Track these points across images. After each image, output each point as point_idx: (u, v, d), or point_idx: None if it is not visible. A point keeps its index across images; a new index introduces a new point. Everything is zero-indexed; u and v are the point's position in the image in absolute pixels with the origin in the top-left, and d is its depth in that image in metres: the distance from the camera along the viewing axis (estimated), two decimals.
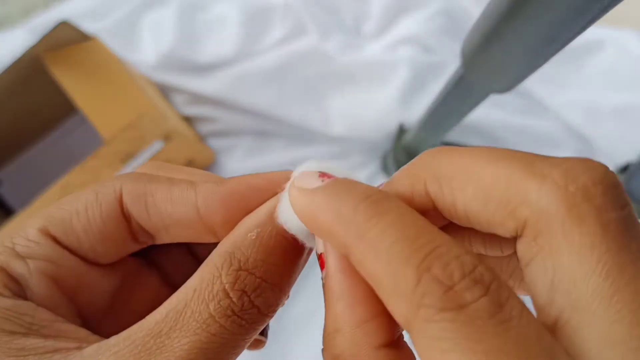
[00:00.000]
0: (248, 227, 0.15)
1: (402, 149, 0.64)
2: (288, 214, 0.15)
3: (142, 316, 0.18)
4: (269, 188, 0.16)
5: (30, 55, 0.56)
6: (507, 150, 0.13)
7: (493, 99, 0.43)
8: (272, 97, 0.69)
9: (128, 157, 0.56)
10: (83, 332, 0.15)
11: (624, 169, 0.64)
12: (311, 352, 0.57)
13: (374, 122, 0.68)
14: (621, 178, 0.63)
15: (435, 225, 0.12)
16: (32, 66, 0.58)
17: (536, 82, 0.72)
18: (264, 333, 0.19)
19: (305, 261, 0.16)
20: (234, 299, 0.14)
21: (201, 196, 0.16)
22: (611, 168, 0.12)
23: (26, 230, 0.16)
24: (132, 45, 0.74)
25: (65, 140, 0.72)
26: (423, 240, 0.11)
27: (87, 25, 0.63)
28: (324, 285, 0.14)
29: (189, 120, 0.72)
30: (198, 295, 0.14)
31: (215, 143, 0.71)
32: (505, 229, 0.13)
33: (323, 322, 0.14)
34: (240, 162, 0.70)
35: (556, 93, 0.73)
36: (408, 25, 0.77)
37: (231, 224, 0.16)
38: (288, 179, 0.16)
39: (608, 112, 0.70)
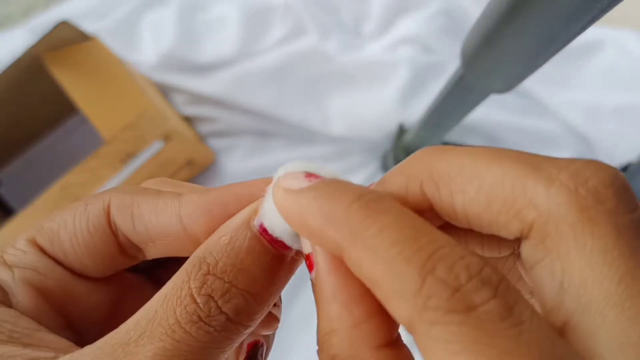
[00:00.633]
0: (222, 232, 0.14)
1: (402, 149, 0.64)
2: (272, 216, 0.14)
3: None
4: (251, 195, 0.15)
5: (30, 55, 0.56)
6: (509, 150, 0.13)
7: (493, 99, 0.43)
8: (272, 97, 0.69)
9: (128, 157, 0.56)
10: (64, 343, 0.15)
11: (624, 169, 0.64)
12: (311, 352, 0.56)
13: (374, 122, 0.68)
14: None
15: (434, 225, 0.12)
16: (32, 66, 0.58)
17: (536, 82, 0.72)
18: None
19: (291, 269, 0.15)
20: (200, 304, 0.13)
21: (184, 206, 0.15)
22: None
23: (17, 240, 0.16)
24: (132, 45, 0.74)
25: (65, 140, 0.72)
26: (424, 241, 0.11)
27: (87, 25, 0.63)
28: (314, 286, 0.14)
29: (189, 120, 0.72)
30: (167, 301, 0.13)
31: (215, 143, 0.71)
32: (508, 231, 0.12)
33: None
34: (240, 162, 0.70)
35: (556, 93, 0.73)
36: (408, 25, 0.77)
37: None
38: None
39: (608, 112, 0.70)
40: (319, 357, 0.13)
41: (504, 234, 0.12)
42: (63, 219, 0.16)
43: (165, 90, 0.72)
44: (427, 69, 0.72)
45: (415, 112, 0.67)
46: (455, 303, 0.10)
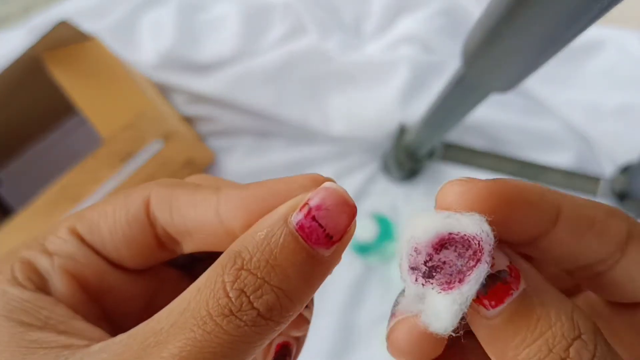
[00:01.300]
0: (259, 227, 0.14)
1: (402, 148, 0.64)
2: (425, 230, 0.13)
3: None
4: (290, 191, 0.15)
5: (29, 55, 0.56)
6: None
7: (493, 99, 0.43)
8: (272, 97, 0.69)
9: (127, 156, 0.56)
10: (98, 332, 0.15)
11: (625, 169, 0.64)
12: (311, 351, 0.57)
13: (374, 122, 0.68)
14: (622, 178, 0.63)
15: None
16: (32, 66, 0.57)
17: (537, 82, 0.72)
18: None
19: (326, 270, 0.15)
20: (233, 298, 0.13)
21: (222, 200, 0.15)
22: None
23: (59, 228, 0.16)
24: (131, 45, 0.73)
25: (65, 140, 0.72)
26: None
27: (87, 25, 0.63)
28: (515, 305, 0.13)
29: (188, 120, 0.72)
30: (200, 293, 0.13)
31: (215, 143, 0.71)
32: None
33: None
34: (240, 162, 0.70)
35: (557, 93, 0.72)
36: (408, 24, 0.77)
37: None
38: (313, 181, 0.15)
39: (609, 112, 0.70)
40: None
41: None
42: (103, 209, 0.16)
43: (165, 90, 0.72)
44: (427, 68, 0.72)
45: (416, 112, 0.67)
46: None
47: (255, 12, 0.77)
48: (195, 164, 0.66)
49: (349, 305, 0.60)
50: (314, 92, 0.71)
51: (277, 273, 0.14)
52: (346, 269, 0.61)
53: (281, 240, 0.14)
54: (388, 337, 0.15)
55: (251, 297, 0.13)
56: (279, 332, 0.14)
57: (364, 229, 0.59)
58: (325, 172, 0.68)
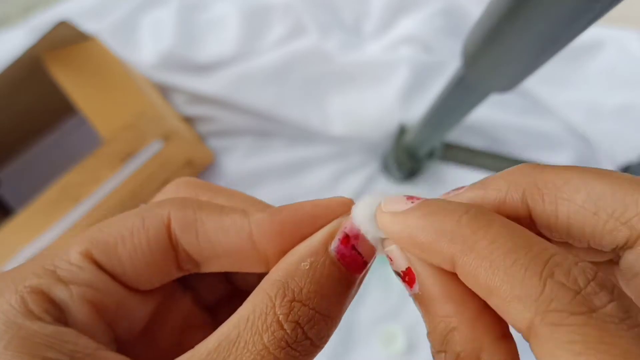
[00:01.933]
0: (301, 256, 0.15)
1: (402, 149, 0.64)
2: (363, 220, 0.15)
3: (174, 338, 0.18)
4: (323, 216, 0.16)
5: (29, 55, 0.56)
6: (614, 171, 0.14)
7: (493, 99, 0.43)
8: (272, 97, 0.69)
9: (127, 157, 0.56)
10: None
11: (625, 169, 0.64)
12: None
13: (374, 122, 0.68)
14: None
15: None
16: (32, 66, 0.57)
17: (536, 82, 0.72)
18: None
19: (357, 290, 0.16)
20: (288, 331, 0.14)
21: (256, 226, 0.15)
22: (612, 168, 0.13)
23: (68, 253, 0.15)
24: (131, 45, 0.73)
25: (65, 140, 0.72)
26: (537, 249, 0.12)
27: (87, 25, 0.63)
28: (419, 297, 0.14)
29: (188, 120, 0.72)
30: (251, 326, 0.14)
31: (215, 143, 0.71)
32: (612, 240, 0.13)
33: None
34: (240, 162, 0.70)
35: (557, 93, 0.72)
36: (408, 25, 0.77)
37: (284, 253, 0.16)
38: (343, 205, 0.16)
39: (609, 112, 0.70)
40: (437, 358, 0.14)
41: (605, 243, 0.13)
42: (120, 233, 0.16)
43: (165, 90, 0.72)
44: (427, 69, 0.72)
45: (416, 112, 0.67)
46: (578, 305, 0.11)
47: (255, 13, 0.77)
48: (195, 164, 0.66)
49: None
50: (314, 92, 0.71)
51: (326, 302, 0.14)
52: None
53: (326, 270, 0.15)
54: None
55: (305, 327, 0.14)
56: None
57: None
58: (325, 172, 0.68)
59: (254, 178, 0.68)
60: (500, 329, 0.13)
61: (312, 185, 0.67)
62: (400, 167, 0.64)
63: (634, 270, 0.13)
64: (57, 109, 0.68)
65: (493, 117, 0.69)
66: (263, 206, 0.17)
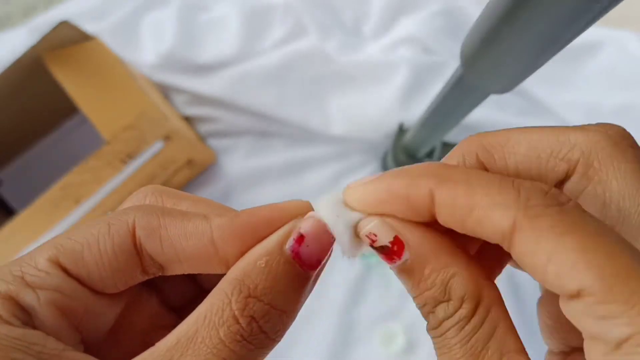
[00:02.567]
0: (257, 255, 0.16)
1: (402, 149, 0.64)
2: (327, 209, 0.16)
3: (141, 338, 0.19)
4: (279, 218, 0.17)
5: (30, 55, 0.56)
6: (545, 127, 0.17)
7: (493, 99, 0.43)
8: (272, 97, 0.69)
9: (128, 157, 0.56)
10: None
11: None
12: (311, 349, 0.57)
13: (374, 122, 0.68)
14: None
15: None
16: (33, 66, 0.58)
17: (536, 82, 0.72)
18: None
19: (312, 286, 0.17)
20: (244, 325, 0.14)
21: (216, 230, 0.16)
22: None
23: (35, 259, 0.16)
24: (132, 45, 0.74)
25: (66, 140, 0.72)
26: (502, 176, 0.14)
27: (88, 25, 0.63)
28: (406, 266, 0.15)
29: (189, 120, 0.72)
30: (208, 322, 0.14)
31: (215, 143, 0.71)
32: (555, 174, 0.16)
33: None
34: (241, 162, 0.70)
35: (556, 93, 0.73)
36: (408, 25, 0.77)
37: (244, 254, 0.16)
38: (299, 208, 0.17)
39: (608, 112, 0.70)
40: (431, 319, 0.15)
41: (551, 176, 0.16)
42: (86, 240, 0.16)
43: (165, 90, 0.72)
44: (427, 69, 0.72)
45: (415, 112, 0.67)
46: (550, 200, 0.13)
47: (256, 13, 0.77)
48: (196, 164, 0.66)
49: (349, 304, 0.60)
50: (314, 92, 0.71)
51: (280, 297, 0.15)
52: (346, 268, 0.61)
53: (281, 268, 0.15)
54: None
55: (260, 321, 0.15)
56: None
57: None
58: (325, 172, 0.68)
59: (254, 178, 0.68)
60: (487, 274, 0.15)
61: (312, 185, 0.67)
62: (399, 167, 0.64)
63: (575, 193, 0.16)
64: (58, 109, 0.68)
65: (492, 117, 0.69)
66: (224, 210, 0.18)
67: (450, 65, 0.73)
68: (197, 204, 0.18)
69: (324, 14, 0.78)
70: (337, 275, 0.61)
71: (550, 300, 0.18)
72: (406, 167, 0.16)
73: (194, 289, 0.21)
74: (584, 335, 0.13)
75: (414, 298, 0.16)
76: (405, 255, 0.15)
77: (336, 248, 0.17)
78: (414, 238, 0.15)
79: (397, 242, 0.16)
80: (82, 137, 0.71)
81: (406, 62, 0.71)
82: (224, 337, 0.14)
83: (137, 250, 0.17)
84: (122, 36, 0.74)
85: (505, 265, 0.19)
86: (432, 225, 0.16)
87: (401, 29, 0.77)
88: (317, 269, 0.16)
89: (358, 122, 0.68)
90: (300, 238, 0.16)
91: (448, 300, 0.15)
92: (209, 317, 0.14)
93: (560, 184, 0.16)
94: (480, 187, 0.14)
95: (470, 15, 0.79)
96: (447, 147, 0.66)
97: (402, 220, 0.16)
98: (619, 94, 0.72)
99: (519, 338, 0.15)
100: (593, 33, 0.77)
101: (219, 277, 0.18)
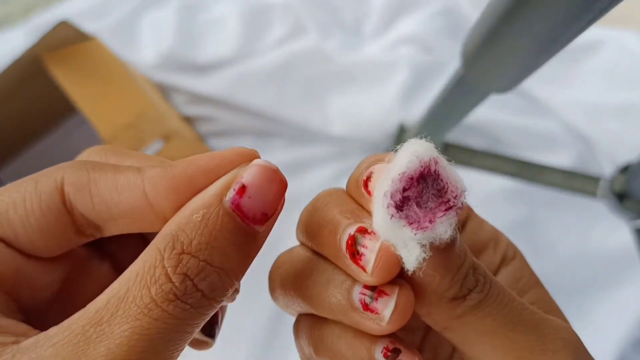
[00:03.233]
0: (193, 208, 0.14)
1: None
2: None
3: None
4: (219, 167, 0.15)
5: (30, 55, 0.56)
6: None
7: (493, 99, 0.43)
8: (272, 97, 0.69)
9: None
10: (23, 327, 0.14)
11: (624, 168, 0.64)
12: None
13: (374, 122, 0.68)
14: (622, 178, 0.63)
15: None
16: (32, 66, 0.58)
17: (536, 82, 0.72)
18: (211, 335, 0.18)
19: (259, 245, 0.15)
20: (177, 283, 0.13)
21: (148, 182, 0.15)
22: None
23: None
24: (132, 45, 0.74)
25: (65, 140, 0.72)
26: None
27: (87, 25, 0.63)
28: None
29: (189, 120, 0.72)
30: (140, 280, 0.13)
31: (215, 143, 0.71)
32: None
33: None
34: None
35: (556, 93, 0.72)
36: (408, 25, 0.77)
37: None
38: (242, 156, 0.15)
39: (609, 111, 0.70)
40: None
41: None
42: (11, 198, 0.15)
43: (165, 90, 0.72)
44: (427, 69, 0.72)
45: (415, 112, 0.67)
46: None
47: (255, 13, 0.77)
48: None
49: None
50: (314, 92, 0.71)
51: (218, 254, 0.14)
52: None
53: (219, 221, 0.14)
54: (375, 263, 0.14)
55: (195, 280, 0.13)
56: (219, 307, 0.15)
57: None
58: (325, 172, 0.68)
59: None
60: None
61: (312, 185, 0.67)
62: None
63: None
64: (58, 109, 0.68)
65: (493, 117, 0.69)
66: (160, 162, 0.16)
67: (450, 65, 0.73)
68: (141, 160, 0.17)
69: (323, 13, 0.78)
70: None
71: None
72: None
73: None
74: None
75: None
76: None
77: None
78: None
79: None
80: (81, 137, 0.71)
81: (406, 62, 0.71)
82: (156, 296, 0.13)
83: (67, 209, 0.15)
84: (121, 36, 0.74)
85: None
86: None
87: (401, 29, 0.77)
88: (265, 224, 0.15)
89: (358, 122, 0.68)
90: (242, 189, 0.14)
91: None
92: (140, 275, 0.13)
93: None
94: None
95: (470, 15, 0.79)
96: (448, 147, 0.66)
97: None
98: (619, 94, 0.72)
99: None
100: (593, 33, 0.76)
101: None
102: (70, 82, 0.57)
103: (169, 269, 0.13)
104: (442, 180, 0.14)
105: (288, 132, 0.70)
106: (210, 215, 0.14)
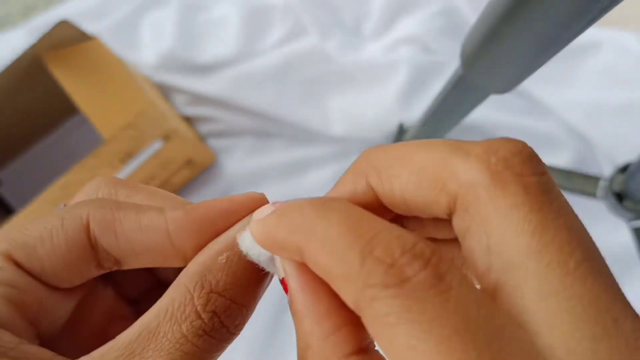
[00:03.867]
0: (217, 250, 0.16)
1: None
2: (248, 244, 0.16)
3: (98, 330, 0.19)
4: (236, 211, 0.16)
5: (30, 55, 0.56)
6: (440, 139, 0.14)
7: (493, 99, 0.43)
8: (272, 98, 0.69)
9: (128, 156, 0.56)
10: (48, 354, 0.15)
11: (624, 168, 0.64)
12: None
13: (374, 122, 0.68)
14: (621, 178, 0.63)
15: (384, 218, 0.13)
16: (32, 66, 0.58)
17: (536, 82, 0.72)
18: None
19: (269, 282, 0.17)
20: (206, 320, 0.15)
21: (172, 223, 0.16)
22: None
23: None
24: (132, 45, 0.74)
25: (65, 140, 0.72)
26: (365, 228, 0.12)
27: (88, 25, 0.63)
28: (290, 309, 0.14)
29: (189, 120, 0.72)
30: (170, 316, 0.14)
31: (215, 143, 0.71)
32: (439, 207, 0.13)
33: None
34: (241, 162, 0.70)
35: (556, 93, 0.73)
36: (408, 25, 0.77)
37: (201, 248, 0.16)
38: (257, 201, 0.17)
39: (608, 111, 0.70)
40: None
41: (437, 211, 0.14)
42: (39, 234, 0.16)
43: (165, 90, 0.72)
44: (427, 69, 0.72)
45: (415, 112, 0.67)
46: (390, 277, 0.11)
47: (256, 13, 0.77)
48: (195, 164, 0.66)
49: None
50: (314, 92, 0.71)
51: (241, 292, 0.15)
52: None
53: (241, 264, 0.15)
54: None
55: (222, 316, 0.15)
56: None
57: None
58: (325, 172, 0.68)
59: (254, 178, 0.68)
60: (356, 344, 0.13)
61: (312, 185, 0.67)
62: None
63: (461, 233, 0.13)
64: (58, 109, 0.68)
65: (493, 117, 0.69)
66: (180, 203, 0.17)
67: (450, 65, 0.73)
68: (153, 196, 0.18)
69: (324, 13, 0.78)
70: None
71: None
72: (292, 203, 0.14)
73: (149, 280, 0.21)
74: None
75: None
76: (288, 297, 0.15)
77: None
78: (294, 286, 0.14)
79: (284, 283, 0.15)
80: (81, 137, 0.71)
81: (406, 62, 0.71)
82: (187, 332, 0.14)
83: (91, 245, 0.16)
84: (122, 36, 0.74)
85: None
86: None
87: (401, 29, 0.77)
88: None
89: (358, 122, 0.68)
90: None
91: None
92: (170, 312, 0.14)
93: (450, 215, 0.14)
94: (334, 249, 0.12)
95: (470, 15, 0.79)
96: None
97: (291, 262, 0.14)
98: (619, 94, 0.72)
99: None
100: (593, 33, 0.77)
101: (175, 268, 0.19)
102: (70, 82, 0.57)
103: (198, 307, 0.15)
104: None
105: (288, 132, 0.70)
106: (234, 258, 0.15)
